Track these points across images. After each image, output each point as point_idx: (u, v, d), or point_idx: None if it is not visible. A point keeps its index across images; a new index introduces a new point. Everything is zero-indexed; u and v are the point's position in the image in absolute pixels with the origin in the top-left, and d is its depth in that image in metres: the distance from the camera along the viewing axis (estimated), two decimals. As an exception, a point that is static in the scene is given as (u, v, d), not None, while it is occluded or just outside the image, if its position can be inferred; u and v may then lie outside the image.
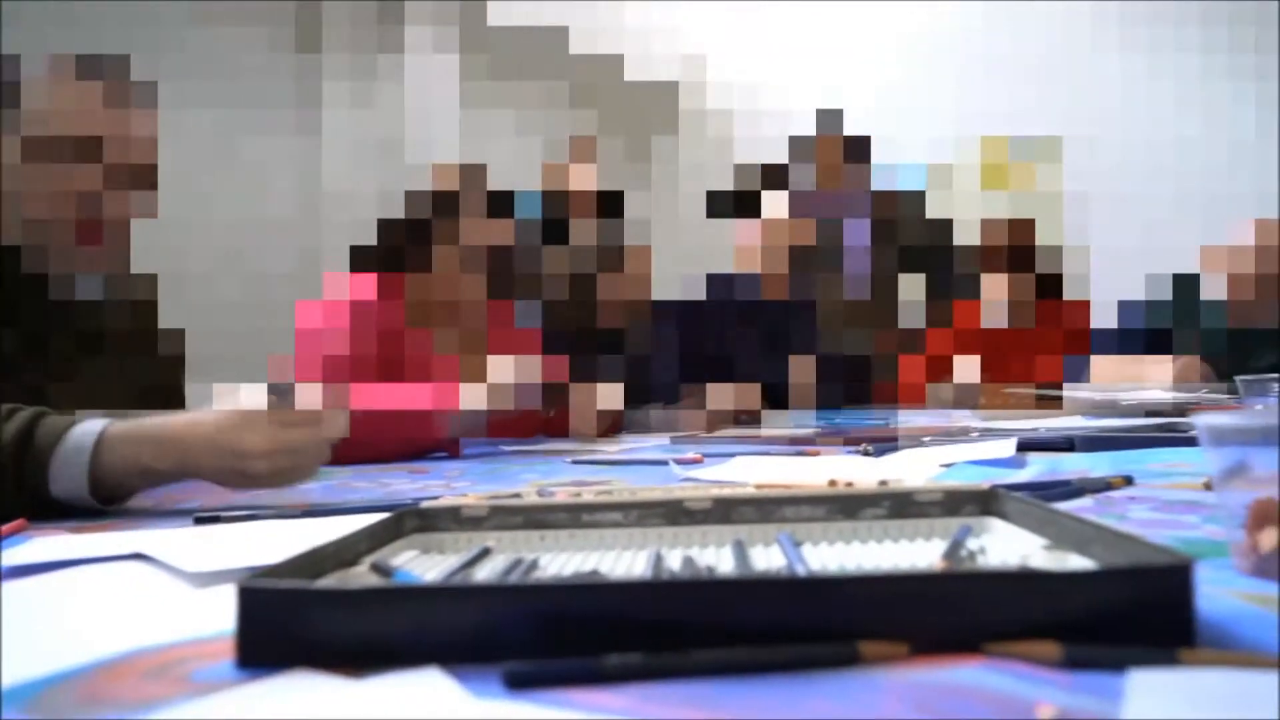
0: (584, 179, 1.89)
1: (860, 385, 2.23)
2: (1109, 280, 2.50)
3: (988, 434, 1.45)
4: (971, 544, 0.61)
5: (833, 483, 0.74)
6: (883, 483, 0.72)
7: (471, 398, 1.55)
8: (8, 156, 1.29)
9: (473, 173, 1.79)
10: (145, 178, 1.33)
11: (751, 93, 2.99)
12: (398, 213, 1.80)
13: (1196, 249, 2.58)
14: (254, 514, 0.92)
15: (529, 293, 1.82)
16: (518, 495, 0.74)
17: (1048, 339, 2.33)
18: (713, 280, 2.45)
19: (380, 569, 0.58)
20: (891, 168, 2.43)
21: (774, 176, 2.37)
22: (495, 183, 1.81)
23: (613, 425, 1.86)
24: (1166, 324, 2.50)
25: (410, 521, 0.68)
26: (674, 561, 0.60)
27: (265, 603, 0.46)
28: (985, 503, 0.68)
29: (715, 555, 0.63)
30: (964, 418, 1.80)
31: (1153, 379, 2.20)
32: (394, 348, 1.69)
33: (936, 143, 2.46)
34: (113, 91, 1.33)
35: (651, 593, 0.46)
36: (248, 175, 3.41)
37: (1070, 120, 3.14)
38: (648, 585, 0.48)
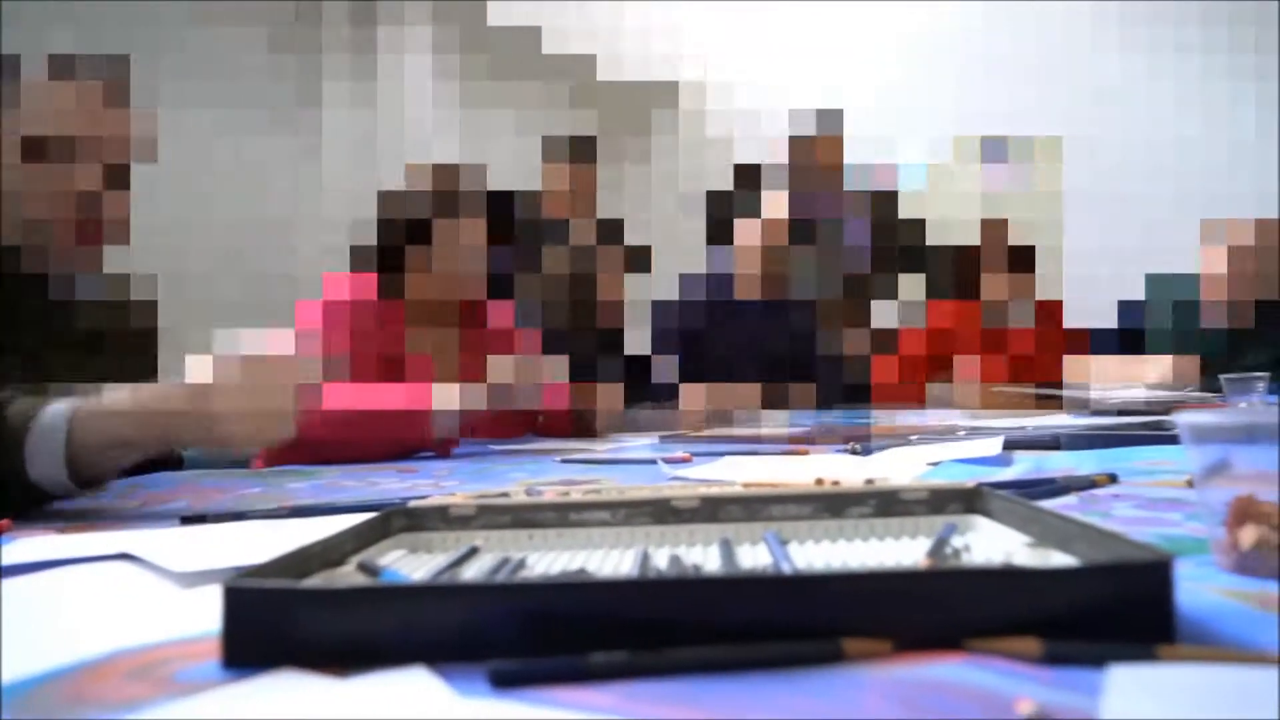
0: (584, 180, 1.90)
1: (838, 386, 2.22)
2: (1109, 280, 2.50)
3: (975, 432, 1.45)
4: (956, 542, 0.61)
5: (819, 481, 0.74)
6: (869, 481, 0.72)
7: (467, 398, 1.55)
8: (8, 156, 1.30)
9: (470, 173, 1.80)
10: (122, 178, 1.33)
11: (751, 93, 2.99)
12: (396, 213, 1.80)
13: (1196, 249, 2.59)
14: (240, 514, 0.92)
15: (529, 293, 1.83)
16: (506, 494, 0.74)
17: (1027, 339, 2.33)
18: (690, 280, 2.45)
19: (367, 568, 0.58)
20: (892, 168, 2.43)
21: (748, 176, 2.37)
22: (495, 183, 1.82)
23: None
24: (1166, 324, 2.51)
25: (398, 521, 0.68)
26: (661, 560, 0.60)
27: (251, 602, 0.46)
28: (970, 501, 0.68)
29: (702, 554, 0.63)
30: (952, 416, 1.80)
31: (1152, 379, 2.20)
32: (394, 347, 1.69)
33: (937, 143, 2.47)
34: (113, 91, 1.33)
35: (638, 591, 0.46)
36: (248, 175, 3.42)
37: (1070, 120, 3.14)
38: (634, 584, 0.48)
